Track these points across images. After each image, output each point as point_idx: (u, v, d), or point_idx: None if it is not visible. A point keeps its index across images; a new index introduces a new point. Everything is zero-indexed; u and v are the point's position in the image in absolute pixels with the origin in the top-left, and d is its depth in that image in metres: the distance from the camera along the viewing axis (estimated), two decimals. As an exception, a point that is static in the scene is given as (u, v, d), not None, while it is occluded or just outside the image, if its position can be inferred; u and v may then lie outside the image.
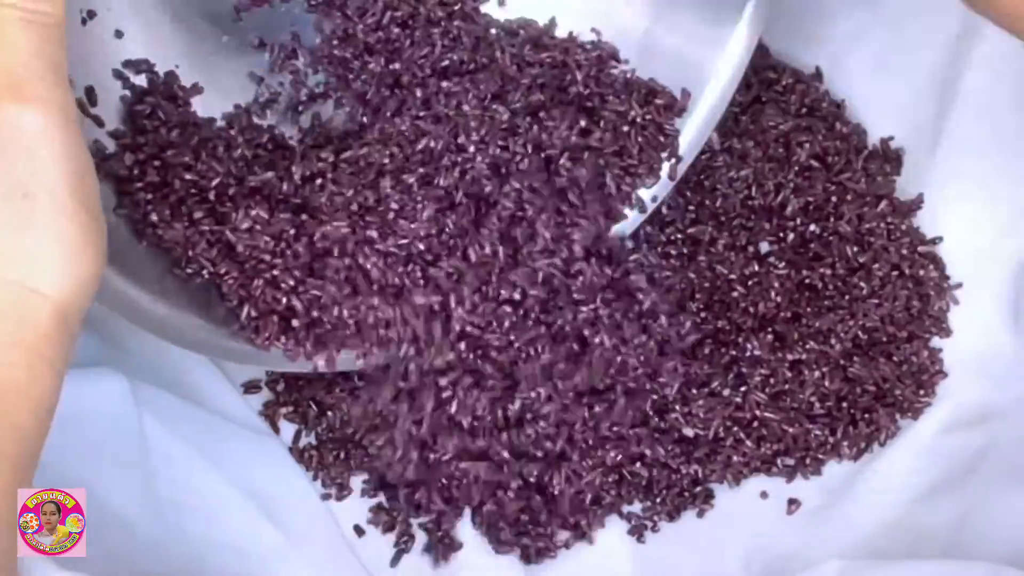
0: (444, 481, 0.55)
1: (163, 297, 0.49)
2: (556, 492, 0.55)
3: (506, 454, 0.55)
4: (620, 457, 0.56)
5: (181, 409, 0.55)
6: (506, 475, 0.55)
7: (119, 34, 0.51)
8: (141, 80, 0.52)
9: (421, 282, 0.53)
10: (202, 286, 0.51)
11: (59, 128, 0.37)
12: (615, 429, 0.56)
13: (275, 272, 0.51)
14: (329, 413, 0.58)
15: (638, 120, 0.56)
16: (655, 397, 0.56)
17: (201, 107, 0.53)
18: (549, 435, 0.55)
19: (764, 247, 0.60)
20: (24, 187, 0.36)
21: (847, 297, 0.59)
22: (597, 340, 0.55)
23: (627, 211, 0.56)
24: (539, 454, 0.55)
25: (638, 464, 0.56)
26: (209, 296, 0.51)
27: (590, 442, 0.55)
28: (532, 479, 0.55)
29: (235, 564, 0.52)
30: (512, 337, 0.54)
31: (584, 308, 0.55)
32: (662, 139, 0.56)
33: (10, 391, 0.36)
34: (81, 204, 0.38)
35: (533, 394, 0.55)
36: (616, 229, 0.56)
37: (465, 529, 0.56)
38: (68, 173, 0.37)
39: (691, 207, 0.60)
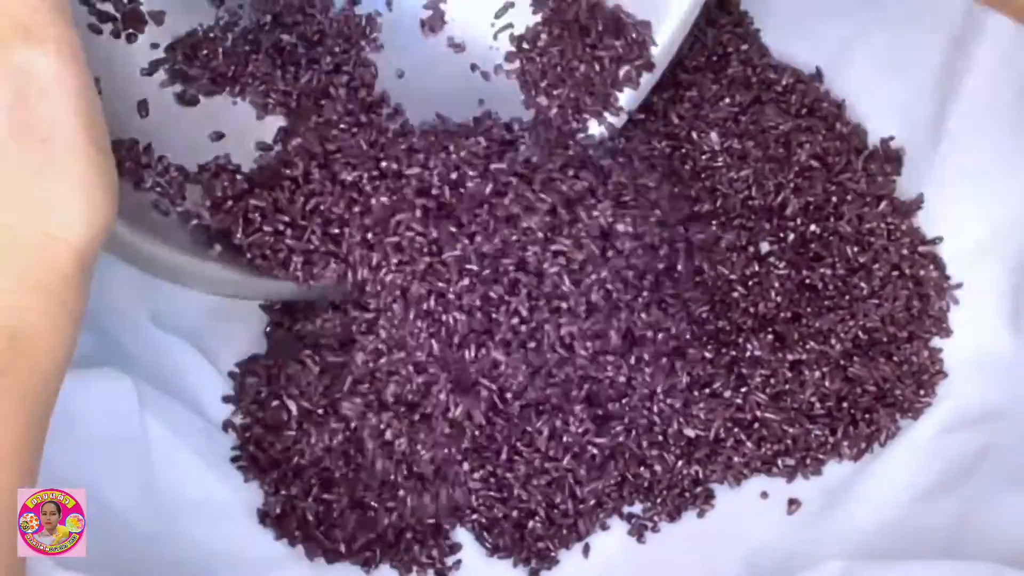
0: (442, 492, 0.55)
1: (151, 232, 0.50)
2: (557, 500, 0.55)
3: (509, 474, 0.55)
4: (624, 467, 0.56)
5: (183, 411, 0.55)
6: (508, 489, 0.55)
7: None
8: (107, 7, 0.53)
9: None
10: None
11: (71, 69, 0.37)
12: (621, 441, 0.56)
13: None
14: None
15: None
16: (660, 407, 0.56)
17: (163, 31, 0.55)
18: (554, 455, 0.55)
19: (764, 247, 0.60)
20: (42, 131, 0.36)
21: (847, 297, 0.59)
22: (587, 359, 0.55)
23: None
24: (545, 480, 0.55)
25: (641, 467, 0.56)
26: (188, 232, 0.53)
27: (596, 459, 0.55)
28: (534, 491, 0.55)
29: (234, 569, 0.52)
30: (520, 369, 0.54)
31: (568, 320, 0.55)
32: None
33: (31, 336, 0.36)
34: (95, 146, 0.37)
35: (539, 421, 0.55)
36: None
37: (464, 530, 0.56)
38: (83, 115, 0.37)
39: (691, 207, 0.61)
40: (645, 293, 0.56)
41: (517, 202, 0.54)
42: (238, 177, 0.54)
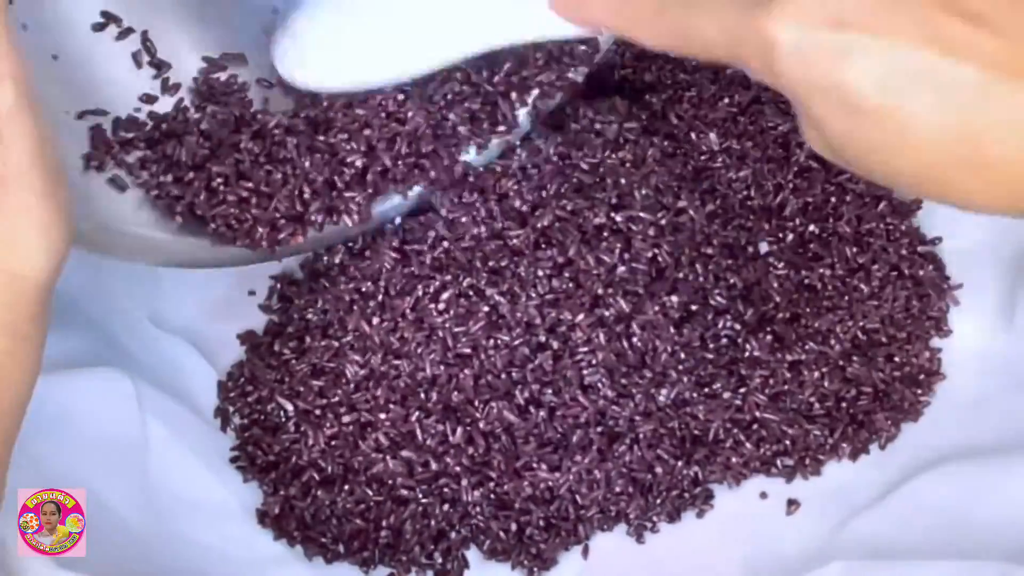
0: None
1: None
2: (557, 509, 0.55)
3: (510, 488, 0.55)
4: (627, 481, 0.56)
5: (182, 411, 0.55)
6: (509, 504, 0.55)
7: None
8: None
9: None
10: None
11: (23, 106, 0.36)
12: (626, 461, 0.56)
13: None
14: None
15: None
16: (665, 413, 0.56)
17: None
18: (559, 479, 0.55)
19: (763, 247, 0.60)
20: None
21: (846, 298, 0.59)
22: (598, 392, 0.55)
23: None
24: (547, 496, 0.55)
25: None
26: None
27: (599, 482, 0.55)
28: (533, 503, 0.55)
29: (233, 569, 0.52)
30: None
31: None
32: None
33: None
34: (50, 180, 0.37)
35: (546, 451, 0.55)
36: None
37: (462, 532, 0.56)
38: (35, 152, 0.37)
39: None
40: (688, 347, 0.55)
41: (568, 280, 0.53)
42: (200, 140, 0.51)
